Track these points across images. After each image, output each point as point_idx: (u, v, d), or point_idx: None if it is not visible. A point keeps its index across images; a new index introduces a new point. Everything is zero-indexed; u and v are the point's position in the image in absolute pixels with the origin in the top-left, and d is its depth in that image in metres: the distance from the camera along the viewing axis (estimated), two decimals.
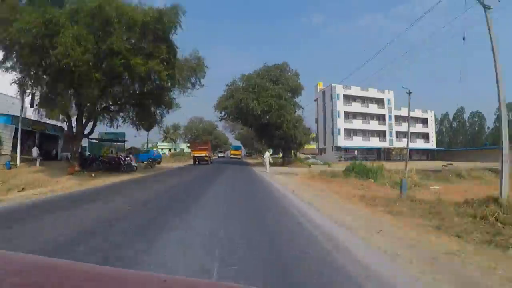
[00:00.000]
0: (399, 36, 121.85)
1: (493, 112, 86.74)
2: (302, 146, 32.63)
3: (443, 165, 41.73)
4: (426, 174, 23.50)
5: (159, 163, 32.85)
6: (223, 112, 31.65)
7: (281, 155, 65.49)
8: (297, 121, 29.47)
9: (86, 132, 20.99)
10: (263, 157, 20.92)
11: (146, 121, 23.74)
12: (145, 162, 25.50)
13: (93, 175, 17.09)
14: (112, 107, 22.33)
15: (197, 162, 32.70)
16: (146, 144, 61.49)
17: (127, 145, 30.30)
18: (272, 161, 21.50)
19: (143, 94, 22.05)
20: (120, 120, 23.74)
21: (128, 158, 20.37)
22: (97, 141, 27.27)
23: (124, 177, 16.60)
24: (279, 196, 9.72)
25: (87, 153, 22.68)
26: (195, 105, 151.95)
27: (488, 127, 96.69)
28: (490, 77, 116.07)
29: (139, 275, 0.80)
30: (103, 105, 21.25)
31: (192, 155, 34.82)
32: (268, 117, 28.20)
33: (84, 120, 19.24)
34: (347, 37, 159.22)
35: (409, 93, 23.81)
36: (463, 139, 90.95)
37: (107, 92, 18.50)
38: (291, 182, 14.61)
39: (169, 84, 19.93)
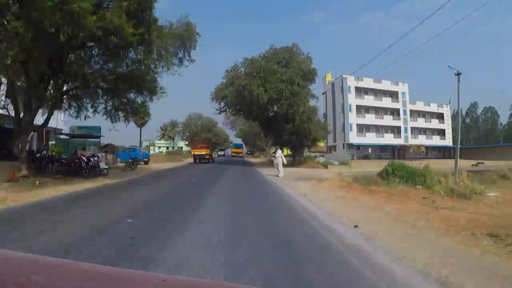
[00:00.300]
0: (409, 31, 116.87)
1: (508, 107, 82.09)
2: (315, 143, 27.63)
3: (472, 164, 36.85)
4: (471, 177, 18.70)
5: (146, 163, 27.90)
6: (221, 103, 26.52)
7: (287, 152, 61.17)
8: (312, 111, 24.40)
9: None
10: (275, 156, 15.81)
11: (123, 111, 18.73)
12: (124, 163, 20.51)
13: (37, 182, 12.12)
14: (77, 91, 17.32)
15: (197, 161, 31.24)
16: (139, 142, 56.71)
17: (104, 141, 25.31)
18: (286, 162, 16.38)
19: (118, 75, 17.18)
20: (90, 109, 18.76)
21: (95, 159, 15.37)
22: (67, 137, 22.22)
23: (82, 186, 11.63)
24: (333, 244, 4.69)
25: (44, 152, 17.62)
26: (194, 101, 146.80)
27: (501, 124, 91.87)
28: (503, 71, 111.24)
29: (138, 275, 0.79)
30: (63, 88, 16.28)
31: (192, 153, 33.39)
32: (276, 107, 23.03)
33: (33, 107, 14.22)
34: (348, 35, 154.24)
35: (459, 74, 18.73)
36: (476, 135, 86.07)
37: (61, 67, 13.45)
38: (324, 196, 9.60)
39: (146, 59, 14.99)
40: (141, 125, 52.85)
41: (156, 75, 18.12)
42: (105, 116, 18.89)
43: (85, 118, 19.15)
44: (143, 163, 27.70)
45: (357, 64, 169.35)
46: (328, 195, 9.56)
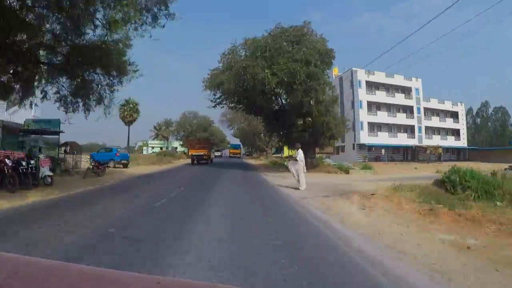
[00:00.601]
0: (418, 29, 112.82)
1: None
2: (332, 141, 22.80)
3: (505, 168, 32.36)
4: None
5: (125, 166, 22.98)
6: (217, 93, 21.54)
7: (290, 153, 56.13)
8: (333, 101, 19.54)
9: None
10: (296, 159, 10.59)
11: (82, 97, 13.83)
12: (87, 167, 15.54)
13: None
14: (13, 68, 12.37)
15: (195, 161, 30.25)
16: (127, 141, 51.50)
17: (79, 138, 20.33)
18: (306, 170, 11.18)
19: (72, 46, 12.47)
20: (39, 94, 13.83)
21: (31, 163, 10.48)
22: (21, 133, 17.22)
23: None
24: None
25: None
26: (192, 101, 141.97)
27: (511, 124, 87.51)
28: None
29: (133, 277, 0.77)
30: None
31: (190, 154, 32.56)
32: (286, 96, 17.90)
33: None
34: (348, 34, 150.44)
35: None
36: (487, 136, 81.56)
37: None
38: (427, 245, 4.70)
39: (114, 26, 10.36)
40: (129, 122, 47.68)
41: (126, 49, 13.43)
42: (58, 104, 14.01)
43: (30, 106, 14.26)
44: (121, 166, 22.84)
45: (358, 63, 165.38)
46: (431, 242, 4.68)
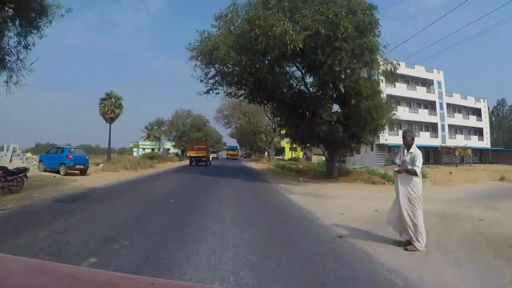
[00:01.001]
0: (436, 21, 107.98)
1: None
2: (372, 137, 16.54)
3: None
4: None
5: (83, 172, 16.59)
6: (211, 70, 15.25)
7: (298, 155, 50.03)
8: (391, 74, 13.36)
9: None
10: (413, 168, 4.20)
11: None
12: None
13: None
14: None
15: (194, 163, 30.25)
16: (108, 141, 44.32)
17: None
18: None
19: None
20: None
21: None
22: None
23: None
24: None
25: None
26: (185, 98, 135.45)
27: None
28: None
29: (128, 278, 0.75)
30: None
31: (188, 155, 32.75)
32: (320, 61, 11.05)
33: None
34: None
35: None
36: (504, 136, 76.07)
37: None
38: None
39: None
40: (110, 119, 40.60)
41: None
42: None
43: None
44: (79, 172, 16.47)
45: None
46: None
